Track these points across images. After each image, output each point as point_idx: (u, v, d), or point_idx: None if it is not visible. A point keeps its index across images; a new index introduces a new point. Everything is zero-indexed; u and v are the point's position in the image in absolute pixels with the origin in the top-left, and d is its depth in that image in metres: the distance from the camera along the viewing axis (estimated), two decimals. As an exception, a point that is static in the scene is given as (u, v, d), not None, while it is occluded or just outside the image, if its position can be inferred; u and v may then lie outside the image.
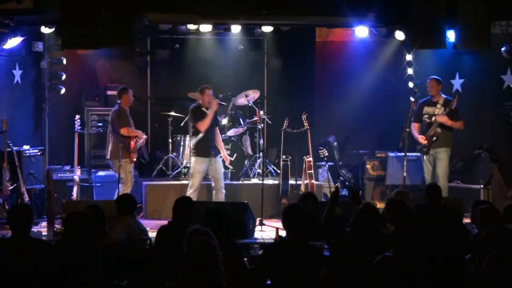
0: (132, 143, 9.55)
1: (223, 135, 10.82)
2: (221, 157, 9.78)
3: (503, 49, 10.05)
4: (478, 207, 5.86)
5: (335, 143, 11.67)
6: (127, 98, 9.76)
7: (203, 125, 9.45)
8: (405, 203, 5.74)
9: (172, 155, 11.12)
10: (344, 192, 10.75)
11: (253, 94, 11.19)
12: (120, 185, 9.45)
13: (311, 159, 10.04)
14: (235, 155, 10.73)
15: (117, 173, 9.48)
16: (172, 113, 11.00)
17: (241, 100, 11.29)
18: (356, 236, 5.17)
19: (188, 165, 10.18)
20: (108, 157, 9.74)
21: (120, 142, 9.43)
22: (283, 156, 10.31)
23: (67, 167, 10.34)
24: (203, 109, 9.58)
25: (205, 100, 9.58)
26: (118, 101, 9.78)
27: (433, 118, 9.77)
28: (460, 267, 5.25)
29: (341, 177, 11.40)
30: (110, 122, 9.76)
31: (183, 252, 4.54)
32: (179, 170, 10.90)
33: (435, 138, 9.71)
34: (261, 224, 9.16)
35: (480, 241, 5.31)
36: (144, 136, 9.84)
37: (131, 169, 9.63)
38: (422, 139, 9.83)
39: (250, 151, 11.27)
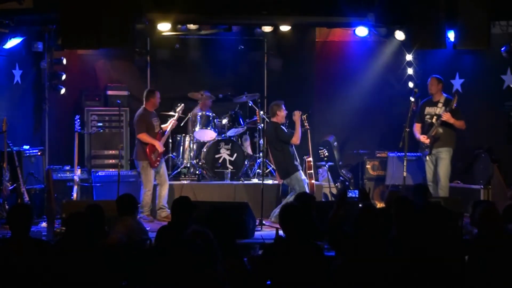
0: (148, 150, 9.72)
1: (223, 135, 10.83)
2: None
3: (503, 49, 10.04)
4: (478, 207, 5.85)
5: (335, 143, 11.66)
6: (153, 101, 9.99)
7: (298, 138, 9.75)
8: (408, 200, 5.76)
9: (172, 155, 11.12)
10: (352, 193, 10.70)
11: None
12: (141, 188, 9.80)
13: (311, 159, 10.05)
14: (235, 155, 10.74)
15: (141, 174, 9.80)
16: (172, 113, 10.99)
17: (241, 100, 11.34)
18: (357, 236, 5.17)
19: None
20: (134, 156, 10.05)
21: (142, 144, 9.76)
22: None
23: (67, 167, 10.33)
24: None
25: (282, 115, 9.85)
26: (143, 104, 9.98)
27: (435, 118, 9.76)
28: (457, 267, 5.25)
29: (341, 177, 11.39)
30: (134, 123, 10.04)
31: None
32: (179, 170, 10.90)
33: (437, 137, 9.72)
34: (261, 224, 9.17)
35: (478, 240, 5.32)
36: (162, 149, 9.92)
37: (151, 173, 9.76)
38: (424, 138, 9.82)
39: (250, 151, 11.27)
